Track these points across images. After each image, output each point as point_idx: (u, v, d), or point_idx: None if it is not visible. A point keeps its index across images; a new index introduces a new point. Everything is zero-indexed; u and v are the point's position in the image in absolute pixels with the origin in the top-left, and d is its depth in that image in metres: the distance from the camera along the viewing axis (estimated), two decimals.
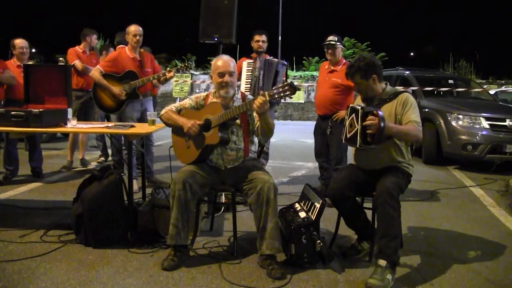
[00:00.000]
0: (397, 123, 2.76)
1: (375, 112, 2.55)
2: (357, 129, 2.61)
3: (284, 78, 4.47)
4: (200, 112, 2.96)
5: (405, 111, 2.76)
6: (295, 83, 2.61)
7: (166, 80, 4.61)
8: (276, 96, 2.58)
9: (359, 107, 2.64)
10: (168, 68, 4.66)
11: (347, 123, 2.77)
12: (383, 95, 2.88)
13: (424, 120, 6.60)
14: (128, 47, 4.60)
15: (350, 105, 2.81)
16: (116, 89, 4.45)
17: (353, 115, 2.69)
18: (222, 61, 2.92)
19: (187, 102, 3.08)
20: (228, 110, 2.78)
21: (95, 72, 4.52)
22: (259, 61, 4.29)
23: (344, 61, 4.41)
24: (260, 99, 2.60)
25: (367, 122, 2.54)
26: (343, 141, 2.85)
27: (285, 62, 4.49)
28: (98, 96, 4.64)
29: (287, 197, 4.38)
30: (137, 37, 4.53)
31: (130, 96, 4.51)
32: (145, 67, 4.64)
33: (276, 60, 4.39)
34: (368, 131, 2.55)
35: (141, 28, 4.57)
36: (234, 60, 2.98)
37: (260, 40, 4.58)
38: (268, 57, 4.51)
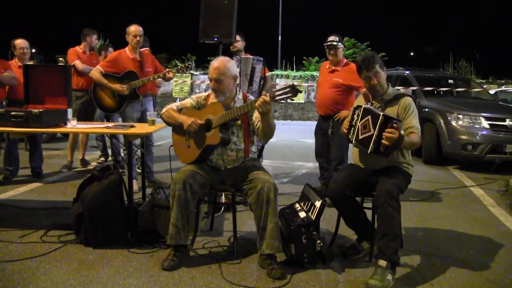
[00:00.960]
0: None
1: (395, 124, 2.52)
2: (372, 134, 2.59)
3: (265, 75, 4.44)
4: (201, 112, 2.96)
5: (407, 116, 2.78)
6: (295, 83, 2.60)
7: (167, 80, 4.61)
8: (277, 98, 2.58)
9: (381, 113, 2.60)
10: (168, 69, 4.66)
11: (359, 123, 2.75)
12: (386, 96, 2.89)
13: (424, 120, 6.61)
14: (128, 47, 4.60)
15: (364, 106, 2.79)
16: (117, 85, 4.45)
17: (369, 117, 2.67)
18: (212, 67, 2.87)
19: (188, 101, 3.08)
20: (229, 110, 2.78)
21: (95, 72, 4.52)
22: (236, 60, 4.30)
23: (345, 60, 4.40)
24: (262, 98, 2.60)
25: (388, 135, 2.51)
26: (353, 141, 2.82)
27: (261, 58, 4.46)
28: (98, 96, 4.64)
29: (287, 197, 4.38)
30: (138, 38, 4.52)
31: (130, 96, 4.51)
32: (145, 67, 4.64)
33: (252, 57, 4.38)
34: (385, 142, 2.52)
35: (141, 28, 4.56)
36: (229, 62, 2.90)
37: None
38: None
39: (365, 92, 3.08)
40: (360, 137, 2.73)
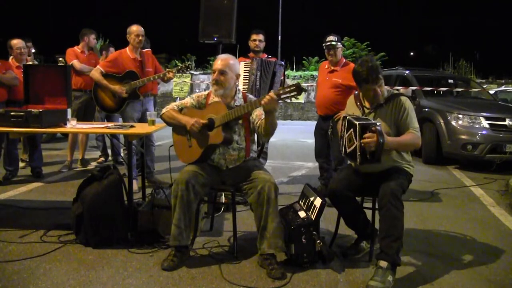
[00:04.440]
0: (393, 127, 2.76)
1: (373, 128, 2.50)
2: (356, 145, 2.57)
3: (282, 78, 4.46)
4: (203, 111, 2.96)
5: (403, 118, 2.74)
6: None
7: (167, 80, 4.62)
8: (283, 96, 2.60)
9: (357, 122, 2.57)
10: (167, 69, 4.67)
11: (345, 136, 2.73)
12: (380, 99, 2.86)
13: (424, 120, 6.60)
14: (129, 47, 4.60)
15: (348, 117, 2.75)
16: (116, 87, 4.46)
17: (351, 130, 2.65)
18: (218, 59, 2.98)
19: (188, 101, 3.08)
20: (232, 110, 2.79)
21: (95, 72, 4.53)
22: (256, 62, 4.25)
23: (344, 60, 4.40)
24: (269, 96, 2.60)
25: (366, 140, 2.49)
26: (343, 154, 2.82)
27: (282, 63, 4.45)
28: (99, 96, 4.64)
29: (287, 197, 4.38)
30: (140, 37, 4.55)
31: (130, 96, 4.51)
32: (146, 67, 4.65)
33: (273, 60, 4.35)
34: (367, 149, 2.51)
35: (142, 28, 4.58)
36: (234, 59, 2.98)
37: (257, 40, 4.57)
38: (265, 57, 4.49)
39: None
40: (348, 150, 2.71)
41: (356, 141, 2.58)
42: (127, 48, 4.62)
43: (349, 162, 3.06)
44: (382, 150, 2.52)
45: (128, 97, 4.50)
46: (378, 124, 2.55)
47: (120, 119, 4.94)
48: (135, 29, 4.54)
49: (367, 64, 2.72)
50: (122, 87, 4.46)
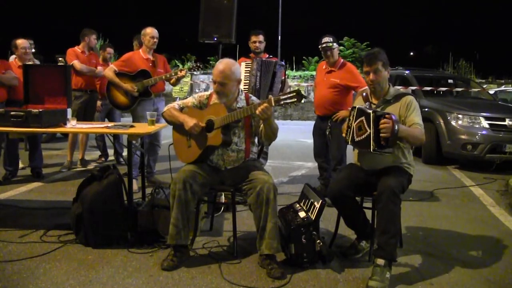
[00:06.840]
0: (400, 123, 2.77)
1: (387, 116, 2.55)
2: (369, 133, 2.60)
3: (283, 78, 4.45)
4: (203, 112, 2.96)
5: (409, 114, 2.79)
6: (295, 83, 2.62)
7: (178, 79, 4.68)
8: (282, 102, 2.60)
9: (370, 111, 2.62)
10: (179, 68, 4.72)
11: (354, 125, 2.75)
12: (387, 96, 2.89)
13: (424, 120, 6.55)
14: (143, 49, 4.74)
15: (357, 106, 2.79)
16: (128, 85, 4.57)
17: (362, 118, 2.67)
18: (217, 69, 2.86)
19: (190, 100, 3.08)
20: (232, 112, 2.78)
21: (109, 71, 4.66)
22: (256, 63, 4.25)
23: (341, 61, 4.40)
24: (263, 105, 2.61)
25: (383, 126, 2.53)
26: (350, 143, 2.83)
27: (283, 63, 4.46)
28: (112, 94, 4.75)
29: (286, 197, 4.38)
30: (154, 39, 4.69)
31: (142, 94, 4.60)
32: (157, 68, 4.77)
33: (274, 61, 4.34)
34: (383, 135, 2.55)
35: (156, 31, 4.72)
36: (234, 65, 2.89)
37: (256, 41, 4.56)
38: (265, 57, 4.49)
39: (363, 91, 3.09)
40: (356, 139, 2.73)
41: (369, 129, 2.61)
42: (140, 50, 4.79)
43: (351, 160, 3.06)
44: (396, 137, 2.56)
45: (139, 95, 4.60)
46: (392, 113, 2.60)
47: (122, 119, 4.97)
48: (149, 31, 4.68)
49: (371, 51, 2.88)
50: (134, 85, 4.57)
